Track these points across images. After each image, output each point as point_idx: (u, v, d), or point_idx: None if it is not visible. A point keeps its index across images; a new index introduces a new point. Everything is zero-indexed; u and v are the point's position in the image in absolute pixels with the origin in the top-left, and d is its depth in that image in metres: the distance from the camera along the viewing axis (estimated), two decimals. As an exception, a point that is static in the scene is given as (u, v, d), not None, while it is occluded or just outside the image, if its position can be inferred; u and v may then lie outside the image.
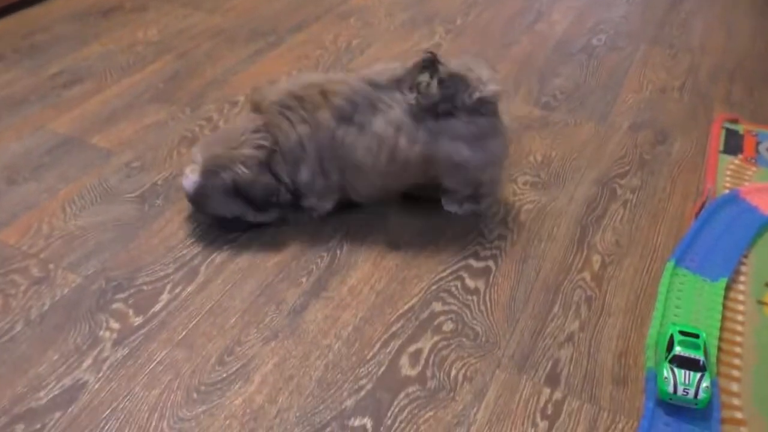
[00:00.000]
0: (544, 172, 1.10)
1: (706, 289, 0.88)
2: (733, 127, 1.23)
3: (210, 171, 0.90)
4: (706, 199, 1.03)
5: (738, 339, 0.82)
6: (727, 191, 1.06)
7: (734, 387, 0.77)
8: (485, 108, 0.91)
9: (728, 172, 1.11)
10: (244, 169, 0.89)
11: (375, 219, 0.98)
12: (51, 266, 0.88)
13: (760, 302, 0.87)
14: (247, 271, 0.89)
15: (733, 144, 1.18)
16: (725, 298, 0.87)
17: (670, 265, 0.90)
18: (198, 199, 0.92)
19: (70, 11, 1.56)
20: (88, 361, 0.76)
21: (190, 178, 0.91)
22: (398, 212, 0.99)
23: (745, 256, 0.94)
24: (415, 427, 0.70)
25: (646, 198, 1.05)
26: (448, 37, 1.51)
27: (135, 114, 1.20)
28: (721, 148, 1.17)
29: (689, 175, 1.11)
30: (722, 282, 0.88)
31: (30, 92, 1.25)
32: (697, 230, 0.97)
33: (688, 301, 0.86)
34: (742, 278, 0.91)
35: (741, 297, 0.88)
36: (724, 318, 0.85)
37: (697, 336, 0.77)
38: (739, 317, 0.85)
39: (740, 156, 1.15)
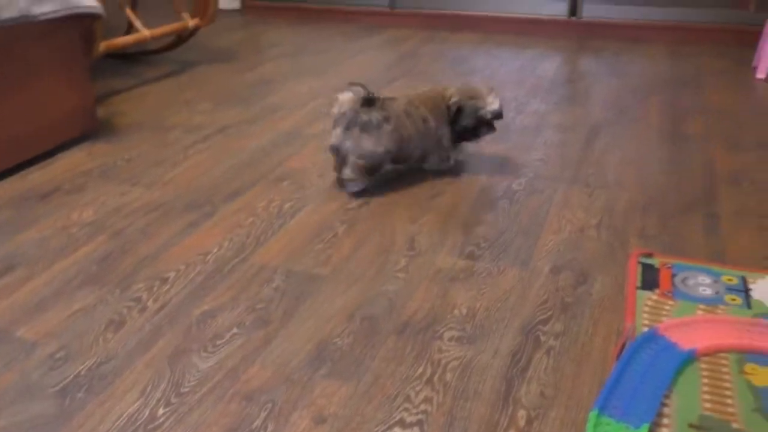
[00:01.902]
0: (469, 325, 1.12)
1: (630, 438, 0.88)
2: (648, 261, 1.28)
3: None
4: (625, 340, 1.06)
5: (666, 489, 0.82)
6: (646, 329, 1.08)
7: None
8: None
9: (646, 309, 1.14)
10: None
11: (301, 394, 0.98)
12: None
13: (685, 446, 0.88)
14: (167, 464, 0.86)
15: (650, 279, 1.23)
16: (650, 445, 0.87)
17: (593, 415, 0.91)
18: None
19: (6, 197, 1.60)
20: None
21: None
22: (325, 378, 0.99)
23: (668, 396, 0.96)
24: None
25: (570, 343, 1.07)
26: (377, 193, 1.58)
27: (63, 301, 1.21)
28: (639, 284, 1.21)
29: (610, 316, 1.14)
30: (644, 428, 0.89)
31: (-41, 286, 1.26)
32: (619, 374, 0.98)
33: (613, 453, 0.86)
34: (665, 421, 0.92)
35: (666, 442, 0.88)
36: (650, 467, 0.84)
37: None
38: (666, 465, 0.85)
39: (657, 291, 1.19)
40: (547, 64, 2.67)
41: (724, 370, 1.01)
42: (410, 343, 1.08)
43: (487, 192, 1.58)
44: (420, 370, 1.02)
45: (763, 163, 1.72)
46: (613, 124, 2.01)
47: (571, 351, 1.06)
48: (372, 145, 1.54)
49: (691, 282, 1.22)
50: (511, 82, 2.44)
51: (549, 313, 1.14)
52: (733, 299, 1.18)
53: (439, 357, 1.05)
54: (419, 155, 1.66)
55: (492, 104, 1.64)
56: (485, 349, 1.06)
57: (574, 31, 3.14)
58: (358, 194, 1.58)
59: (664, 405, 0.94)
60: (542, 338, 1.08)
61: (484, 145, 1.85)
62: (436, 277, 1.25)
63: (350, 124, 1.53)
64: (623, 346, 1.05)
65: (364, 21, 3.45)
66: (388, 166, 1.63)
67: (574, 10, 3.15)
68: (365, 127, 1.53)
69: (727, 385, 0.98)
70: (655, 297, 1.17)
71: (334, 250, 1.35)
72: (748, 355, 1.04)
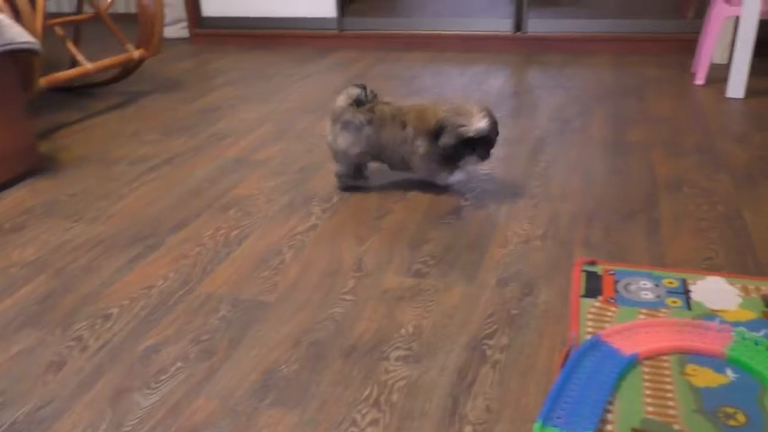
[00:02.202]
0: (416, 343, 1.12)
1: (574, 447, 0.89)
2: (591, 269, 1.30)
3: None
4: (570, 349, 1.07)
5: (609, 497, 0.82)
6: (589, 336, 1.10)
7: None
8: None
9: (590, 316, 1.15)
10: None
11: (246, 426, 0.96)
12: None
13: (628, 451, 0.88)
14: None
15: (593, 287, 1.24)
16: (593, 453, 0.88)
17: (537, 426, 0.91)
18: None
19: (-55, 241, 1.55)
20: None
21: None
22: (271, 407, 0.98)
23: (611, 402, 0.97)
24: None
25: (515, 356, 1.08)
26: (325, 216, 1.58)
27: (2, 344, 1.17)
28: (582, 292, 1.23)
29: (555, 326, 1.15)
30: (588, 436, 0.89)
31: None
32: (562, 384, 0.99)
33: (558, 463, 0.86)
34: (609, 427, 0.93)
35: (609, 449, 0.89)
36: (594, 476, 0.85)
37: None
38: (609, 472, 0.86)
39: (600, 298, 1.21)
40: (493, 79, 2.71)
41: (666, 372, 1.03)
42: (357, 366, 1.07)
43: (434, 209, 1.59)
44: (367, 392, 1.01)
45: (701, 168, 1.77)
46: (558, 136, 2.05)
47: (517, 363, 1.06)
48: (348, 144, 1.62)
49: (633, 287, 1.24)
50: (458, 98, 2.47)
51: (495, 327, 1.15)
52: (674, 302, 1.20)
53: (385, 378, 1.04)
54: (399, 160, 1.66)
55: (477, 123, 1.54)
56: (432, 367, 1.06)
57: (520, 46, 3.20)
58: (344, 189, 1.72)
59: (607, 411, 0.95)
60: (488, 352, 1.09)
61: (432, 163, 1.86)
62: (384, 297, 1.25)
63: (335, 121, 1.63)
64: (567, 355, 1.05)
65: (313, 45, 3.47)
66: (372, 163, 1.72)
67: (519, 26, 3.21)
68: (345, 126, 1.62)
69: (669, 387, 1.00)
70: (598, 304, 1.19)
71: (281, 276, 1.34)
72: (688, 356, 1.06)
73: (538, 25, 3.18)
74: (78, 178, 1.89)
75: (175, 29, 3.82)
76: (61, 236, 1.55)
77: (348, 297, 1.26)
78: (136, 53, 2.58)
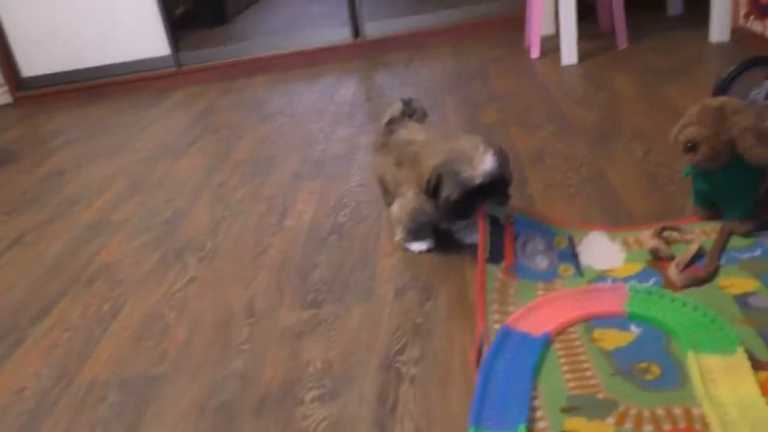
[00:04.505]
0: (328, 379, 1.06)
1: (510, 445, 0.87)
2: (494, 214, 1.28)
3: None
4: (480, 344, 1.05)
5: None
6: (497, 327, 1.08)
7: None
8: None
9: (494, 296, 1.14)
10: None
11: None
12: None
13: (562, 434, 0.88)
14: None
15: (496, 244, 1.23)
16: (530, 445, 0.86)
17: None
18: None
19: None
20: None
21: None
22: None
23: (535, 389, 0.96)
24: None
25: (430, 366, 1.05)
26: (202, 265, 1.48)
27: None
28: (486, 255, 1.21)
29: (463, 324, 1.13)
30: (522, 430, 0.88)
31: None
32: (484, 383, 0.97)
33: (499, 466, 0.84)
34: (539, 414, 0.92)
35: (544, 437, 0.88)
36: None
37: None
38: (549, 461, 0.84)
39: (502, 265, 1.20)
40: (343, 89, 2.69)
41: (577, 344, 1.04)
42: (272, 419, 1.00)
43: (314, 232, 1.54)
44: None
45: (556, 137, 1.84)
46: (418, 132, 2.05)
47: (434, 374, 1.03)
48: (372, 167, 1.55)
49: (529, 248, 1.25)
50: (312, 113, 2.43)
51: (404, 341, 1.12)
52: (566, 270, 1.22)
53: (306, 424, 0.98)
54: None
55: (480, 165, 1.20)
56: (350, 400, 1.01)
57: (363, 52, 3.21)
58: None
59: (534, 398, 0.94)
60: (403, 369, 1.05)
61: (302, 183, 1.81)
62: (284, 337, 1.18)
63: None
64: (479, 351, 1.04)
65: (152, 87, 3.30)
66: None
67: (357, 32, 3.22)
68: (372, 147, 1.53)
69: (584, 357, 1.00)
70: (500, 276, 1.18)
71: (168, 341, 1.23)
72: (593, 322, 1.08)
73: (375, 28, 3.21)
74: None
75: (-5, 97, 3.50)
76: None
77: (246, 346, 1.18)
78: (-47, 132, 2.32)
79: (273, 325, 1.22)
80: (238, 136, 2.33)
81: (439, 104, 2.29)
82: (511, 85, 2.36)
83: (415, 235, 1.36)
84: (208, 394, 1.08)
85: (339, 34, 3.23)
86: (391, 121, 1.44)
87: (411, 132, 1.39)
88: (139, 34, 3.26)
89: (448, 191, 1.22)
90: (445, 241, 1.39)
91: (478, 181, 1.20)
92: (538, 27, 2.59)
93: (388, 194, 1.47)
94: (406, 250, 1.38)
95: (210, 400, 1.06)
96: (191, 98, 3.00)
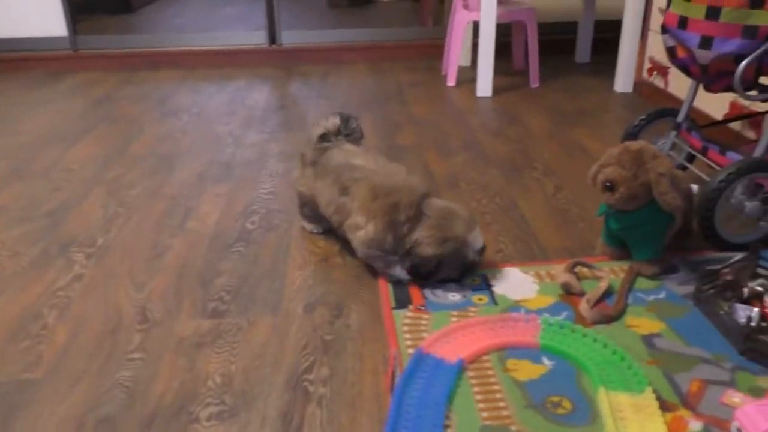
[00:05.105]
0: (228, 395, 0.98)
1: (423, 475, 0.82)
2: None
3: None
4: (394, 369, 1.01)
5: None
6: (411, 351, 1.05)
7: None
8: None
9: (406, 329, 1.11)
10: None
11: None
12: None
13: (476, 466, 0.84)
14: None
15: (402, 296, 1.20)
16: (443, 477, 0.82)
17: (382, 462, 0.84)
18: None
19: None
20: None
21: None
22: None
23: (448, 417, 0.92)
24: None
25: (340, 386, 0.99)
26: (90, 263, 1.35)
27: None
28: (393, 304, 1.18)
29: (374, 344, 1.09)
30: (435, 460, 0.84)
31: None
32: (397, 408, 0.92)
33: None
34: (452, 444, 0.88)
35: (457, 468, 0.84)
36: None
37: None
38: (463, 494, 0.81)
39: (411, 307, 1.17)
40: (256, 94, 2.60)
41: (490, 373, 1.01)
42: (162, 437, 0.90)
43: (219, 238, 1.45)
44: None
45: (471, 163, 1.85)
46: (333, 146, 2.00)
47: (343, 394, 0.97)
48: (296, 177, 1.46)
49: (439, 291, 1.22)
50: (222, 115, 2.32)
51: (312, 359, 1.05)
52: (480, 299, 1.21)
53: (200, 444, 0.89)
54: (336, 225, 1.32)
55: (474, 242, 1.23)
56: (252, 419, 0.93)
57: (278, 59, 3.13)
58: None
59: (447, 427, 0.90)
60: (310, 388, 0.99)
61: (208, 185, 1.70)
62: (180, 347, 1.09)
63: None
64: (393, 375, 0.99)
65: (44, 67, 3.05)
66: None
67: (273, 38, 3.14)
68: (301, 157, 1.44)
69: (496, 387, 0.98)
70: (410, 314, 1.15)
71: (45, 344, 1.10)
72: (506, 351, 1.06)
73: (293, 36, 3.14)
74: None
75: None
76: None
77: (136, 355, 1.07)
78: None
79: (168, 334, 1.12)
80: (138, 130, 2.18)
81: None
82: (428, 109, 2.36)
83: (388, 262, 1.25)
84: (88, 406, 0.96)
85: (254, 37, 3.13)
86: (324, 136, 1.38)
87: (347, 155, 1.33)
88: (36, 11, 3.02)
89: (446, 272, 1.23)
90: (354, 256, 1.34)
91: (471, 258, 1.23)
92: (456, 57, 2.62)
93: (306, 207, 1.42)
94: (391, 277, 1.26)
95: (90, 413, 0.95)
96: (88, 84, 2.80)
